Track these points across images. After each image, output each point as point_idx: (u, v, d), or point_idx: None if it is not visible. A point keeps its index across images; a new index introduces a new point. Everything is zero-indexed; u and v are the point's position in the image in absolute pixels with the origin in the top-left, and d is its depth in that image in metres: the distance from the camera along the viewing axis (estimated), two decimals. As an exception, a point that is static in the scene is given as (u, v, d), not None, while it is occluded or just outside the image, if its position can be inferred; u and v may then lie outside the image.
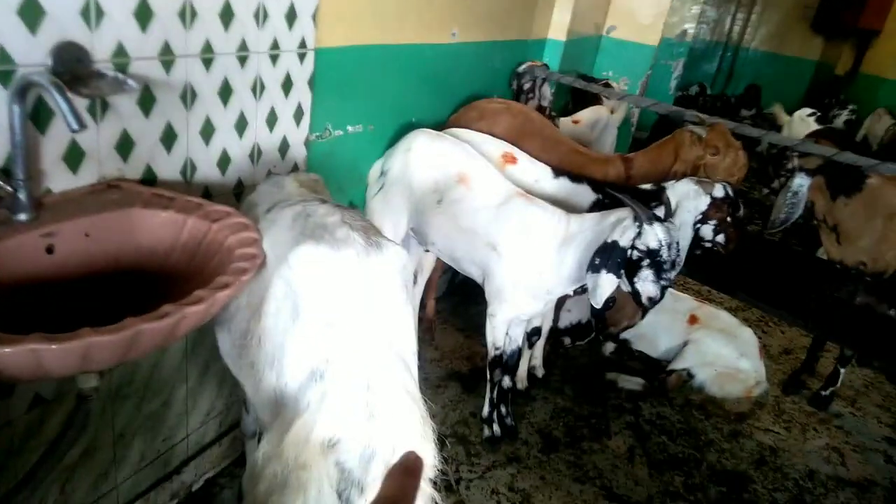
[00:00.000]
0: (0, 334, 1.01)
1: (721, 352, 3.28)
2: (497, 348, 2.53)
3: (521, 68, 3.63)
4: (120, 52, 1.47)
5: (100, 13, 1.40)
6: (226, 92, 1.81)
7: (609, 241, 2.10)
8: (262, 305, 1.40)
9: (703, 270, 2.60)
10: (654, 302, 2.11)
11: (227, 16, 1.73)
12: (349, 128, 2.48)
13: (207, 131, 1.80)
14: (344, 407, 1.24)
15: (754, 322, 4.03)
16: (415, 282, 3.09)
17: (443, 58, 2.96)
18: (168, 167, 1.72)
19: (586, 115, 4.06)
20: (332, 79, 2.28)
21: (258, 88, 1.93)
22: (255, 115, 1.96)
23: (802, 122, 5.89)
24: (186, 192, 1.78)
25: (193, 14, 1.63)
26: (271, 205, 1.63)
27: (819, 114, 5.79)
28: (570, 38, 4.26)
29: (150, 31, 1.53)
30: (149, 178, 1.67)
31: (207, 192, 1.88)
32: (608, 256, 2.08)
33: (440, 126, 2.95)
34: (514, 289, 2.35)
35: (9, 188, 1.31)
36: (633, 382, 3.31)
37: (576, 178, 2.71)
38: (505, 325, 2.48)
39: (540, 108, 3.68)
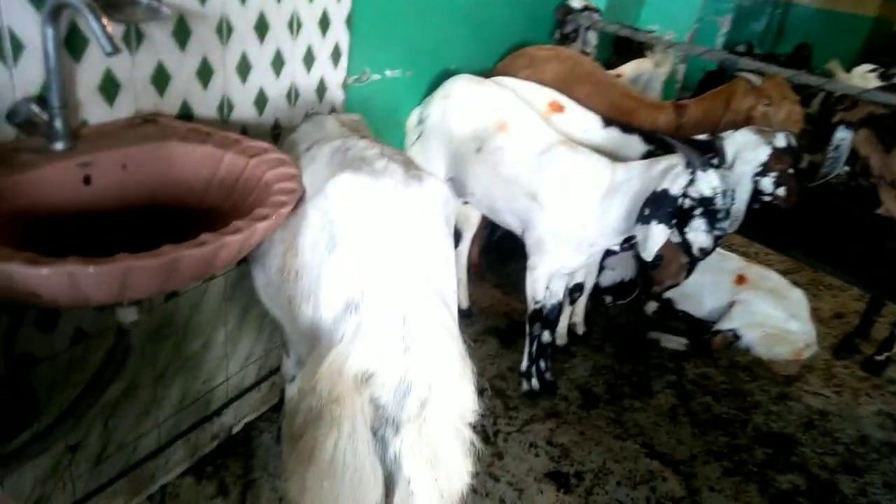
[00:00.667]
0: (38, 256, 0.99)
1: (770, 312, 3.15)
2: (537, 302, 2.47)
3: (566, 14, 3.47)
4: (154, -23, 1.42)
5: (133, -66, 1.35)
6: (262, 27, 1.75)
7: (659, 189, 1.99)
8: (299, 238, 1.36)
9: (755, 227, 2.46)
10: (706, 253, 2.01)
11: (263, -55, 1.66)
12: (387, 72, 2.41)
13: (244, 68, 1.75)
14: (379, 339, 1.20)
15: (805, 285, 3.86)
16: (460, 239, 3.03)
17: (481, 2, 2.85)
18: (204, 104, 1.68)
19: (629, 68, 3.89)
20: (370, 20, 2.20)
21: (295, 25, 1.87)
22: (291, 54, 1.90)
23: (863, 80, 5.58)
24: (223, 129, 1.75)
25: (229, -59, 1.56)
26: (311, 143, 1.58)
27: (883, 70, 5.48)
28: (615, -13, 4.07)
29: (185, -43, 1.48)
30: (185, 114, 1.64)
31: (245, 132, 1.83)
32: (658, 206, 1.98)
33: (482, 74, 2.84)
34: (556, 240, 2.27)
35: (45, 116, 1.28)
36: (676, 342, 3.22)
37: (627, 128, 2.59)
38: (546, 279, 2.41)
39: (583, 53, 3.54)
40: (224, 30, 1.65)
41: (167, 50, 1.53)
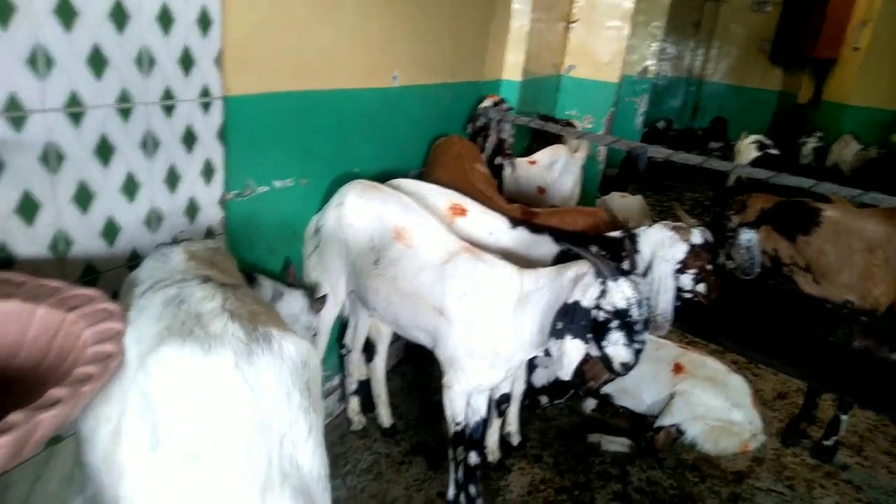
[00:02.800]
0: None
1: (711, 403, 2.98)
2: (457, 423, 2.22)
3: (480, 107, 3.42)
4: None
5: None
6: (105, 150, 1.54)
7: (570, 301, 1.81)
8: (124, 420, 1.08)
9: (682, 318, 2.33)
10: (628, 368, 1.82)
11: (97, 62, 1.46)
12: (276, 183, 2.21)
13: (84, 197, 1.52)
14: None
15: (743, 366, 3.75)
16: (374, 352, 2.78)
17: (385, 103, 2.73)
18: (30, 243, 1.42)
19: (543, 155, 3.85)
20: (251, 130, 2.02)
21: (150, 144, 1.66)
22: (147, 176, 1.68)
23: (746, 150, 5.88)
24: (59, 271, 1.49)
25: (48, 62, 1.36)
26: (151, 285, 1.33)
27: (762, 140, 5.81)
28: (526, 79, 4.09)
29: (-13, 82, 1.27)
30: (3, 259, 1.37)
31: (91, 269, 1.58)
32: (571, 320, 1.79)
33: (392, 175, 2.70)
34: (469, 358, 2.05)
35: None
36: (618, 443, 2.99)
37: (536, 228, 2.46)
38: (464, 397, 2.17)
39: (499, 144, 3.47)
40: (52, 157, 1.42)
41: (-28, 187, 1.29)
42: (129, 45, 1.54)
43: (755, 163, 5.46)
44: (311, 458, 1.10)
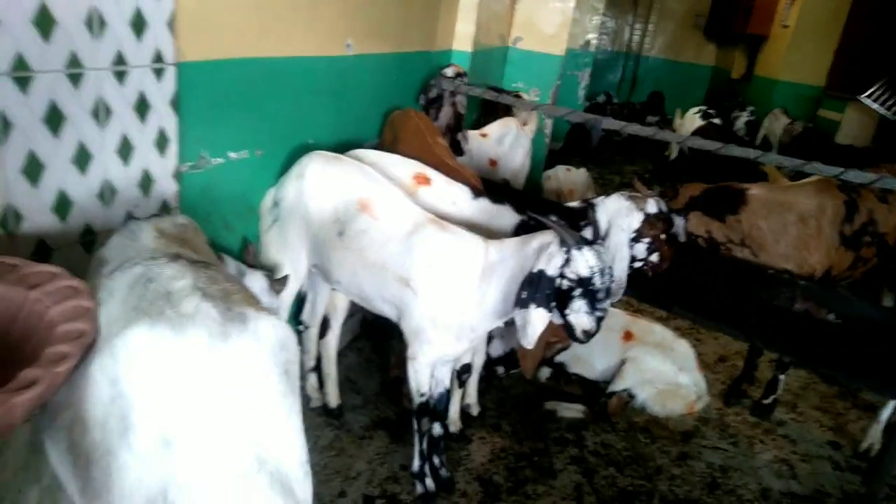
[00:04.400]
0: None
1: (660, 368, 3.11)
2: (422, 394, 2.23)
3: (433, 79, 3.39)
4: None
5: None
6: (54, 118, 1.44)
7: (535, 270, 1.84)
8: (86, 407, 1.02)
9: (635, 285, 2.40)
10: (589, 335, 1.86)
11: (44, 22, 1.36)
12: (231, 154, 2.13)
13: (33, 169, 1.42)
14: None
15: (686, 331, 3.92)
16: (327, 328, 2.73)
17: (339, 71, 2.66)
18: (-24, 218, 1.33)
19: (494, 128, 3.86)
20: (205, 98, 1.94)
21: (101, 113, 1.56)
22: (100, 146, 1.58)
23: (691, 120, 6.09)
24: (9, 248, 1.40)
25: (-7, 20, 1.26)
26: (119, 264, 1.26)
27: (704, 110, 6.03)
28: (476, 50, 4.07)
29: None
30: (-53, 235, 1.28)
31: (44, 246, 1.49)
32: (535, 289, 1.82)
33: (348, 146, 2.64)
34: (434, 328, 2.06)
35: None
36: (573, 410, 3.08)
37: (497, 198, 2.47)
38: (428, 368, 2.18)
39: (457, 117, 3.45)
40: (-2, 125, 1.32)
41: (-90, 157, 1.18)
42: (78, 4, 1.44)
43: (699, 131, 5.62)
44: (289, 443, 1.07)
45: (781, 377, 3.17)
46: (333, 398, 2.79)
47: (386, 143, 2.98)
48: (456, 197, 2.43)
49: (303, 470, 1.08)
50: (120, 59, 1.58)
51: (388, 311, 2.23)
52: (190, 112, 1.87)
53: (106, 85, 1.56)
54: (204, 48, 1.88)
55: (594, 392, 3.18)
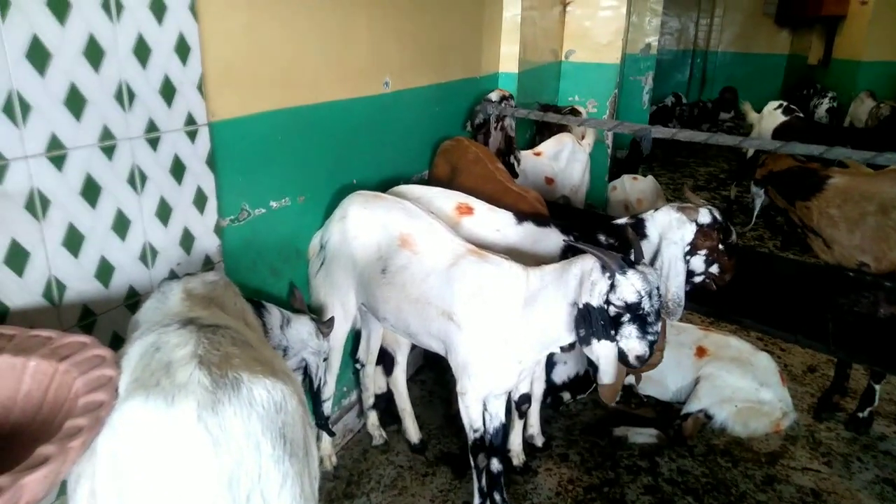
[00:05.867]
0: None
1: (738, 384, 2.91)
2: (476, 430, 2.18)
3: (478, 105, 3.37)
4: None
5: None
6: (91, 190, 1.52)
7: (581, 306, 1.78)
8: (98, 483, 1.03)
9: (699, 300, 2.27)
10: (642, 360, 1.77)
11: (75, 102, 1.44)
12: (273, 203, 2.19)
13: (73, 241, 1.50)
14: None
15: (768, 342, 3.67)
16: (393, 364, 2.74)
17: (378, 109, 2.69)
18: (23, 292, 1.41)
19: (548, 145, 3.80)
20: (241, 153, 2.00)
21: (137, 179, 1.64)
22: (138, 211, 1.66)
23: (771, 116, 5.67)
24: (55, 317, 1.48)
25: (25, 107, 1.34)
26: (148, 327, 1.30)
27: (785, 104, 5.61)
28: (523, 70, 4.03)
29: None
30: (-3, 311, 1.37)
31: (88, 312, 1.57)
32: (590, 323, 1.76)
33: (394, 182, 2.67)
34: (481, 362, 2.01)
35: None
36: (645, 435, 2.93)
37: (541, 221, 2.41)
38: (479, 403, 2.14)
39: (507, 140, 3.42)
40: (37, 204, 1.41)
41: (-43, 242, 1.27)
42: (106, 82, 1.51)
43: (783, 126, 5.28)
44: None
45: (877, 387, 2.90)
46: (413, 433, 2.79)
47: (440, 174, 2.97)
48: (500, 224, 2.39)
49: None
50: (152, 127, 1.66)
51: (435, 346, 2.20)
52: (227, 168, 1.94)
53: (140, 152, 1.64)
54: (235, 105, 1.94)
55: (668, 414, 3.02)
